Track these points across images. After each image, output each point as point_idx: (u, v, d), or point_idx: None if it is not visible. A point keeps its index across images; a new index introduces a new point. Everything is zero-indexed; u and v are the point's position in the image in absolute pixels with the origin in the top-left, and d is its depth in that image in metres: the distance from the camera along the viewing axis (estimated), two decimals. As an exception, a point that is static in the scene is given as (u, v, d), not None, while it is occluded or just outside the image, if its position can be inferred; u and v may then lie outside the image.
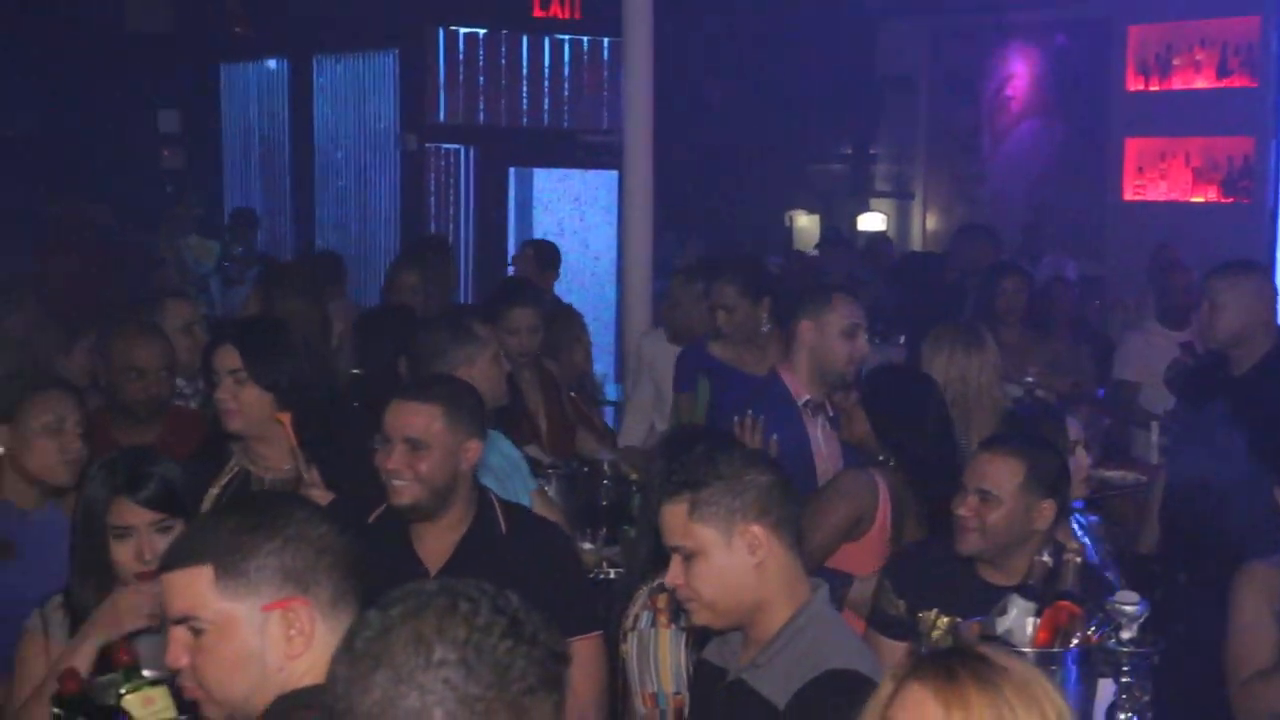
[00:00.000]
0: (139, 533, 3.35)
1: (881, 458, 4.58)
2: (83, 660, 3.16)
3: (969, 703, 2.11)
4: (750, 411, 4.84)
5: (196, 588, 2.33)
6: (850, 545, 4.48)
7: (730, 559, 3.05)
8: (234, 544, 2.33)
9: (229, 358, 4.22)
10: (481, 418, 3.87)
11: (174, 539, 2.74)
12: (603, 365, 9.23)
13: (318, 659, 2.28)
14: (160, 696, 3.02)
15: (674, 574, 3.09)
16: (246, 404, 4.18)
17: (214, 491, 4.20)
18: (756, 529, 3.05)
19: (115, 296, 8.13)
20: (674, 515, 3.08)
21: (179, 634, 2.35)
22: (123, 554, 3.35)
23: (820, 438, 5.12)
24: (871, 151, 14.72)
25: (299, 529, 2.36)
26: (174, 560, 2.38)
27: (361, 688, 1.84)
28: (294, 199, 13.95)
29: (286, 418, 4.09)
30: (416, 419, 3.71)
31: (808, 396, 5.17)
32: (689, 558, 3.06)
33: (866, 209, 14.45)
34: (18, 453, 4.10)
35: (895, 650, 3.72)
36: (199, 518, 2.91)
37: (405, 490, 3.71)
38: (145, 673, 3.08)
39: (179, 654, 2.35)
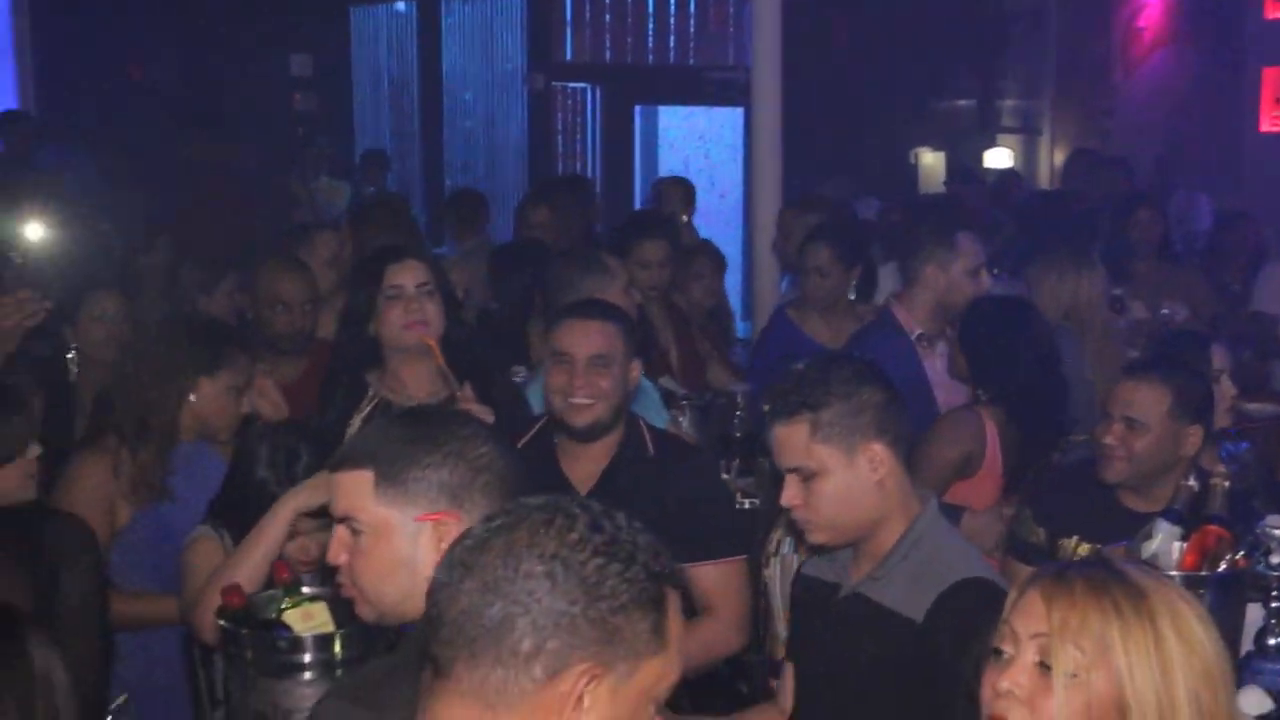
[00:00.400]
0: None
1: (978, 393, 4.54)
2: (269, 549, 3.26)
3: (1072, 602, 2.14)
4: (855, 352, 4.82)
5: (358, 490, 2.37)
6: (962, 483, 4.45)
7: (852, 478, 3.05)
8: (395, 453, 2.37)
9: (416, 272, 4.27)
10: (638, 338, 3.94)
11: (348, 441, 2.81)
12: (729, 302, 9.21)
13: None
14: (319, 611, 3.09)
15: (791, 495, 3.09)
16: (435, 316, 4.22)
17: (356, 421, 4.26)
18: (877, 446, 3.05)
19: (254, 236, 8.27)
20: (793, 436, 3.06)
21: (340, 532, 2.40)
22: (290, 548, 3.43)
23: (940, 370, 5.08)
24: (998, 86, 14.49)
25: (460, 446, 2.38)
26: (341, 461, 2.44)
27: (450, 595, 1.82)
28: (422, 140, 14.05)
29: (433, 341, 4.15)
30: (600, 337, 3.76)
31: (920, 330, 5.14)
32: (809, 478, 3.06)
33: (993, 145, 14.23)
34: (200, 405, 4.18)
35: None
36: (373, 424, 2.95)
37: (589, 409, 3.76)
38: (304, 589, 3.16)
39: (339, 551, 2.41)
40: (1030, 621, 2.19)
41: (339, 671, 2.92)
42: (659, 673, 1.84)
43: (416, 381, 4.27)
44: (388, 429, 2.47)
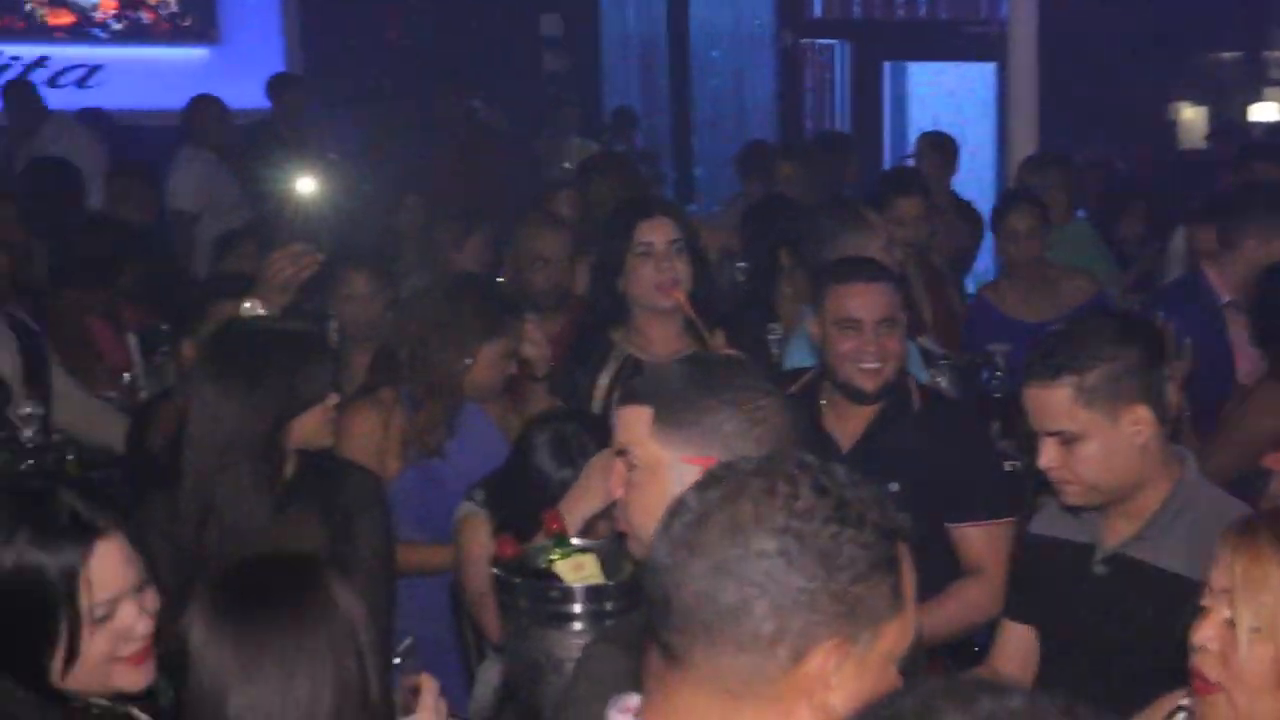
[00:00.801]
0: None
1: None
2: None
3: (1256, 554, 2.11)
4: (1161, 314, 4.66)
5: (637, 425, 2.39)
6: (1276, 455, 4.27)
7: (1115, 441, 2.96)
8: (675, 393, 2.38)
9: (667, 228, 4.25)
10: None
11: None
12: (983, 261, 9.03)
13: None
14: (589, 563, 3.11)
15: (1050, 457, 3.00)
16: (685, 274, 4.22)
17: (603, 381, 4.29)
18: (1141, 409, 2.96)
19: (504, 194, 8.40)
20: (1055, 399, 2.97)
21: (619, 465, 2.43)
22: None
23: (1244, 338, 4.88)
24: (1267, 35, 13.87)
25: (737, 395, 2.37)
26: (627, 396, 2.47)
27: (677, 579, 1.71)
28: (671, 99, 14.07)
29: (682, 294, 4.14)
30: (885, 299, 3.74)
31: (1229, 297, 4.95)
32: (1069, 441, 2.97)
33: (1259, 99, 13.64)
34: (477, 369, 4.24)
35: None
36: (662, 365, 2.96)
37: (879, 373, 3.73)
38: (575, 541, 3.19)
39: (617, 485, 2.44)
40: (1220, 576, 2.16)
41: (608, 623, 2.92)
42: (899, 633, 1.74)
43: (663, 338, 4.27)
44: (674, 371, 2.48)
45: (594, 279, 4.43)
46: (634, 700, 1.79)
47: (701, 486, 1.75)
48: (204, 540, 3.28)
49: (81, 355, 5.95)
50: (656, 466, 2.37)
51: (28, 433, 4.25)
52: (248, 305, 3.86)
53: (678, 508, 1.76)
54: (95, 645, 2.20)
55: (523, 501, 3.54)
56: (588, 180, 6.89)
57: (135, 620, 2.23)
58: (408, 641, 2.36)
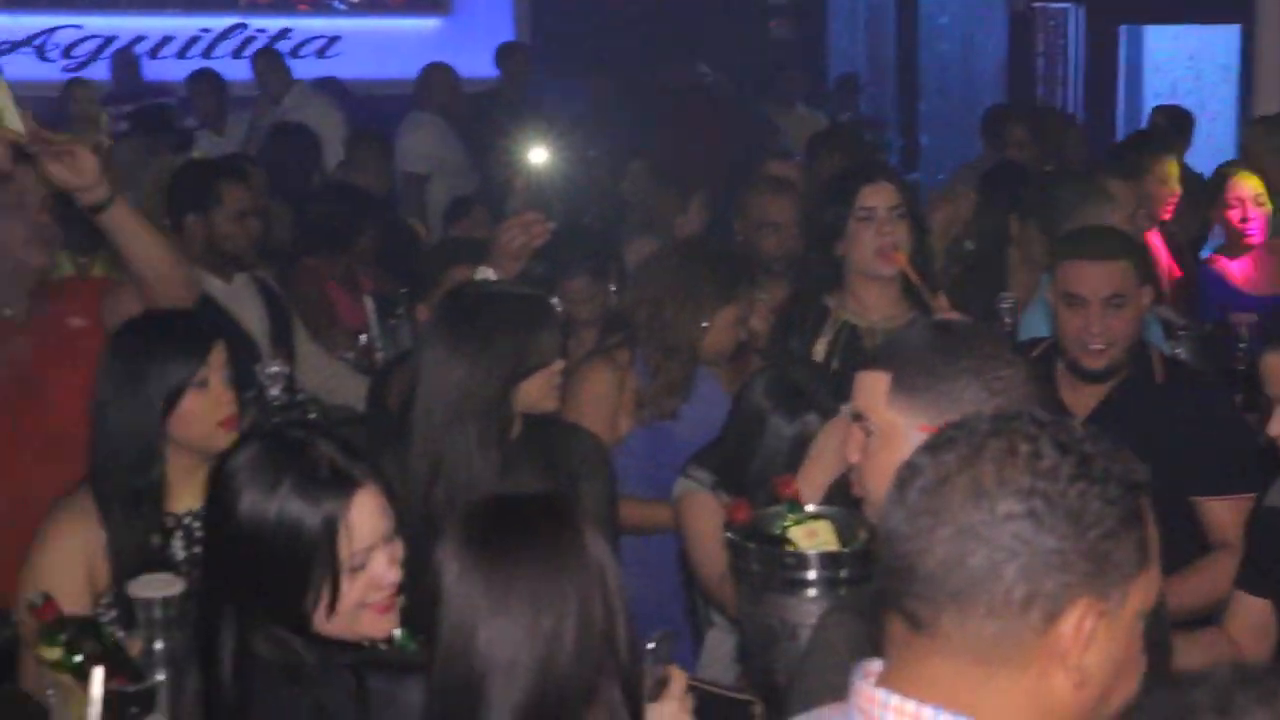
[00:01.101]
0: None
1: None
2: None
3: None
4: None
5: (874, 390, 2.36)
6: None
7: None
8: (915, 359, 2.34)
9: (888, 193, 4.21)
10: (1148, 264, 3.80)
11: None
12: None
13: None
14: (823, 530, 3.09)
15: None
16: (905, 240, 4.17)
17: (819, 348, 4.27)
18: None
19: (728, 160, 8.39)
20: None
21: (855, 431, 2.41)
22: None
23: None
24: None
25: (979, 364, 2.32)
26: (869, 360, 2.45)
27: (920, 546, 1.66)
28: (897, 65, 13.89)
29: (903, 258, 4.10)
30: (1113, 277, 3.63)
31: None
32: None
33: None
34: (712, 332, 4.26)
35: None
36: (904, 330, 2.92)
37: (1104, 353, 3.65)
38: (808, 507, 3.17)
39: (853, 450, 2.42)
40: None
41: (842, 590, 2.90)
42: (1146, 589, 1.69)
43: (880, 303, 4.23)
44: (915, 336, 2.45)
45: (811, 245, 4.39)
46: (876, 665, 1.76)
47: (934, 449, 1.70)
48: (431, 499, 3.35)
49: (320, 318, 6.12)
50: (892, 434, 2.34)
51: (274, 391, 4.37)
52: (481, 271, 3.92)
53: (909, 473, 1.71)
54: (349, 593, 2.26)
55: (743, 456, 3.54)
56: (814, 154, 6.84)
57: (386, 570, 2.29)
58: (663, 631, 2.36)
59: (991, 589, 1.64)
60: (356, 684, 2.18)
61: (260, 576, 2.23)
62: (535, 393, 3.44)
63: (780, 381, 3.67)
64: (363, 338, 5.89)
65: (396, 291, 5.86)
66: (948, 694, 1.67)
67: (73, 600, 2.93)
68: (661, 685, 2.33)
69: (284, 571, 2.23)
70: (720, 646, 3.67)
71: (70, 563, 3.09)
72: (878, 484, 2.36)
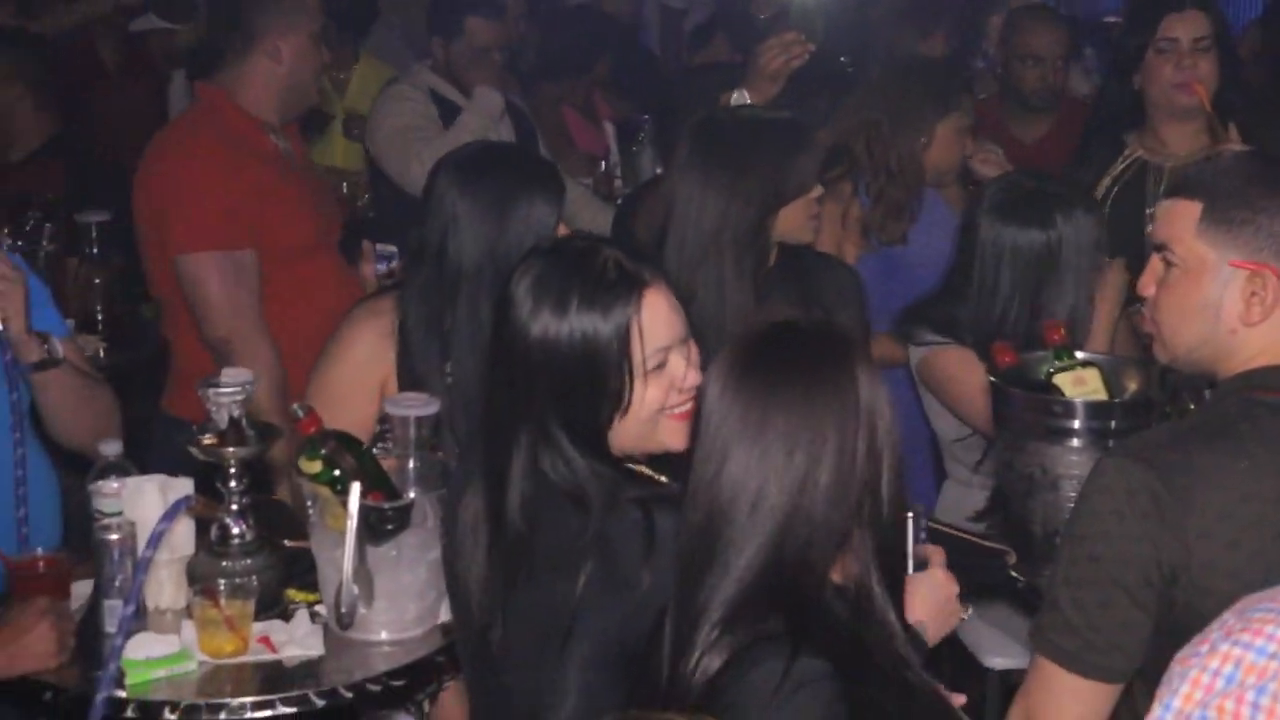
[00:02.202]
0: None
1: None
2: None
3: None
4: None
5: (1182, 220, 2.27)
6: None
7: None
8: (1230, 190, 2.24)
9: (1195, 23, 4.02)
10: None
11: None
12: None
13: (1274, 339, 2.22)
14: (1091, 378, 3.00)
15: None
16: (1209, 74, 4.00)
17: (1105, 182, 4.12)
18: None
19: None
20: None
21: (1155, 262, 2.31)
22: None
23: None
24: None
25: None
26: (1174, 189, 2.34)
27: None
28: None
29: (1204, 90, 3.92)
30: None
31: None
32: None
33: None
34: (933, 149, 4.15)
35: None
36: (1220, 158, 2.77)
37: None
38: (1078, 354, 3.08)
39: (1149, 282, 2.33)
40: None
41: (1110, 442, 2.80)
42: None
43: (1179, 140, 4.06)
44: (1231, 163, 2.34)
45: (1109, 74, 4.21)
46: None
47: None
48: None
49: (559, 144, 6.11)
50: (1198, 267, 2.25)
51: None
52: (736, 95, 3.83)
53: None
54: (648, 397, 2.22)
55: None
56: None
57: (684, 370, 2.25)
58: (920, 505, 2.30)
59: None
60: (644, 519, 2.16)
61: (556, 392, 2.20)
62: (793, 221, 3.35)
63: (1012, 188, 3.50)
64: (602, 165, 5.87)
65: (638, 119, 5.81)
66: None
67: (356, 413, 2.96)
68: (922, 565, 2.28)
69: (580, 384, 2.19)
70: (961, 501, 3.58)
71: (360, 374, 3.09)
72: (1174, 320, 2.29)
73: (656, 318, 2.23)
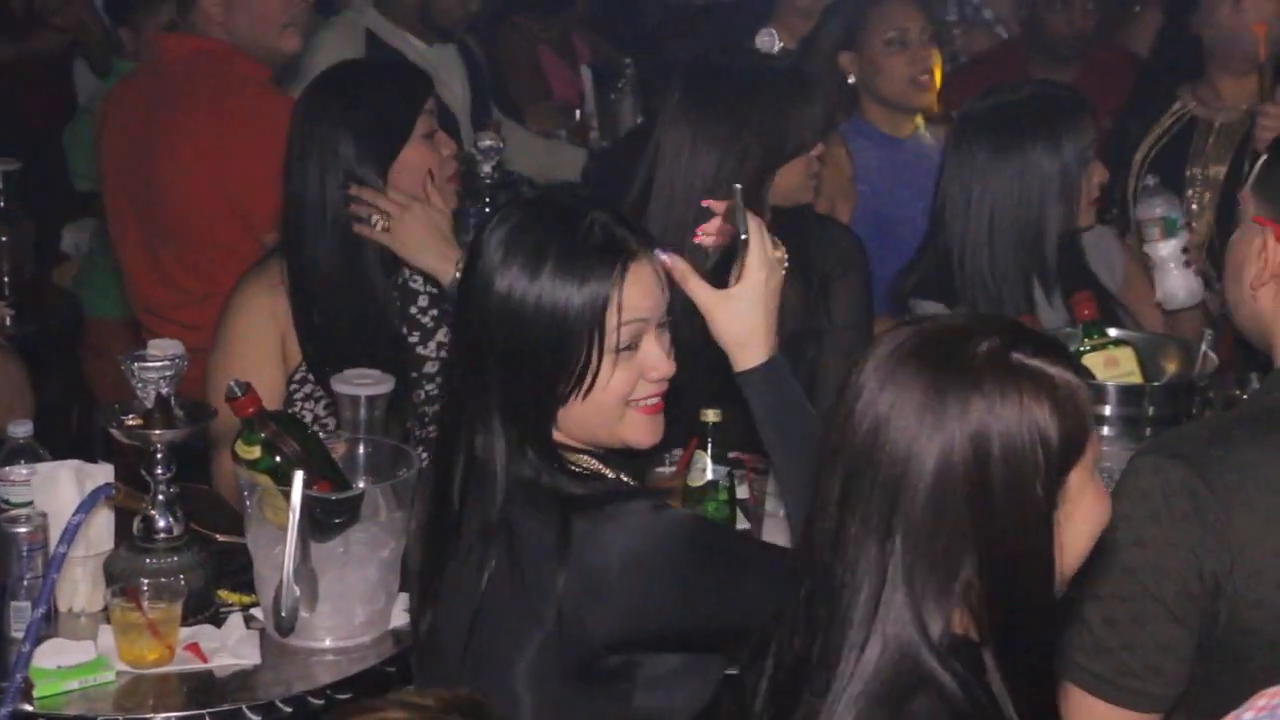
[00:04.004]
0: None
1: None
2: None
3: None
4: None
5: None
6: None
7: None
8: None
9: None
10: None
11: None
12: None
13: None
14: (1125, 358, 2.92)
15: None
16: (1271, 17, 3.94)
17: (1150, 138, 4.11)
18: None
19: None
20: None
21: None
22: None
23: None
24: None
25: None
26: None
27: None
28: None
29: (1262, 29, 3.88)
30: None
31: None
32: None
33: None
34: None
35: None
36: None
37: None
38: (1111, 331, 2.97)
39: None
40: None
41: (1145, 431, 2.71)
42: None
43: (1235, 93, 4.03)
44: None
45: (1167, 23, 4.15)
46: None
47: None
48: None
49: (532, 88, 5.97)
50: (1242, 221, 2.24)
51: (486, 168, 4.22)
52: (763, 35, 3.67)
53: None
54: (613, 382, 2.11)
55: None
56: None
57: (658, 359, 2.14)
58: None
59: None
60: (559, 519, 2.04)
61: (509, 358, 2.09)
62: (791, 182, 3.21)
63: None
64: (576, 114, 5.72)
65: (619, 61, 5.66)
66: None
67: (264, 377, 2.87)
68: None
69: (538, 354, 2.08)
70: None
71: (260, 335, 3.02)
72: (1225, 281, 2.26)
73: (637, 291, 2.11)
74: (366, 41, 4.85)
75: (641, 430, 2.17)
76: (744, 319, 2.20)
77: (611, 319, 2.09)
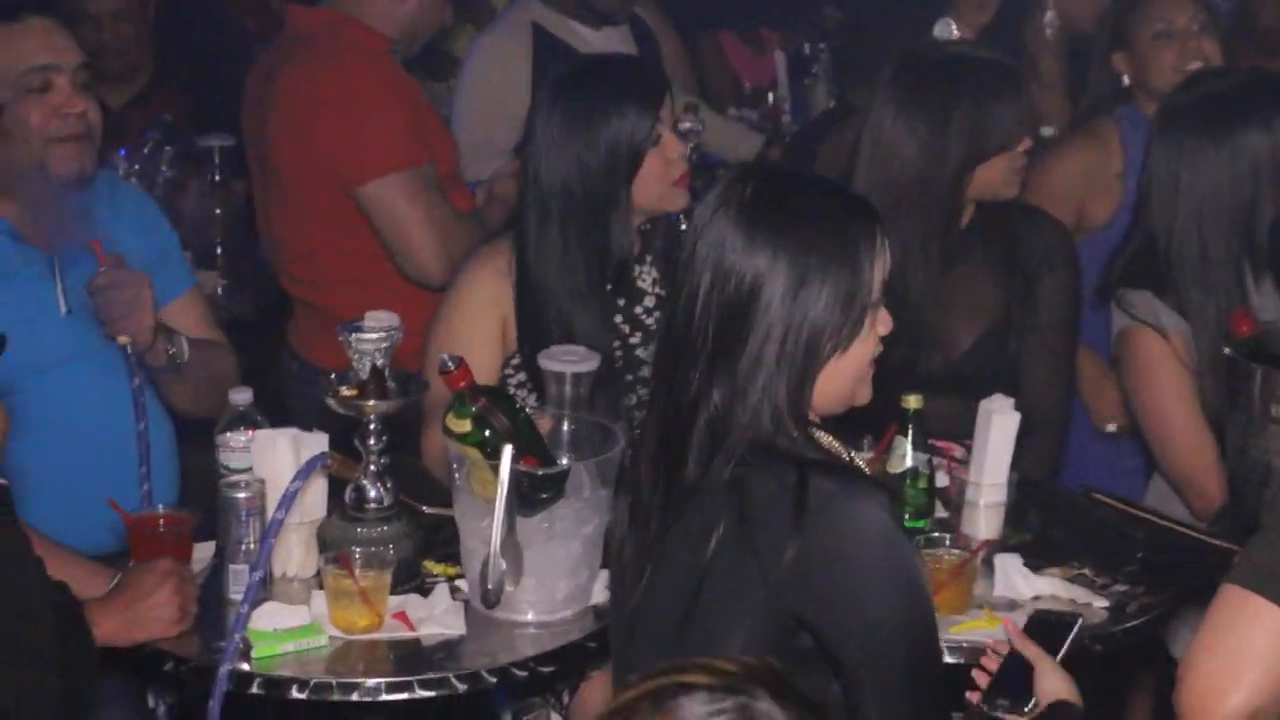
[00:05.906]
0: None
1: None
2: None
3: None
4: None
5: None
6: None
7: None
8: None
9: None
10: None
11: None
12: None
13: None
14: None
15: None
16: None
17: None
18: None
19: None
20: None
21: None
22: None
23: None
24: None
25: None
26: None
27: None
28: None
29: None
30: None
31: None
32: None
33: None
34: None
35: None
36: None
37: None
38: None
39: None
40: None
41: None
42: None
43: None
44: None
45: None
46: None
47: None
48: None
49: (717, 72, 6.00)
50: None
51: (685, 150, 4.29)
52: (940, 25, 3.73)
53: None
54: (870, 335, 2.17)
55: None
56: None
57: (886, 316, 2.21)
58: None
59: None
60: (797, 483, 2.05)
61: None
62: (994, 178, 3.26)
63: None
64: (770, 97, 5.75)
65: (812, 47, 5.70)
66: None
67: (481, 359, 2.97)
68: None
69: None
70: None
71: (482, 318, 3.15)
72: None
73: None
74: (533, 35, 4.84)
75: (870, 387, 2.24)
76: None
77: (878, 274, 2.16)
